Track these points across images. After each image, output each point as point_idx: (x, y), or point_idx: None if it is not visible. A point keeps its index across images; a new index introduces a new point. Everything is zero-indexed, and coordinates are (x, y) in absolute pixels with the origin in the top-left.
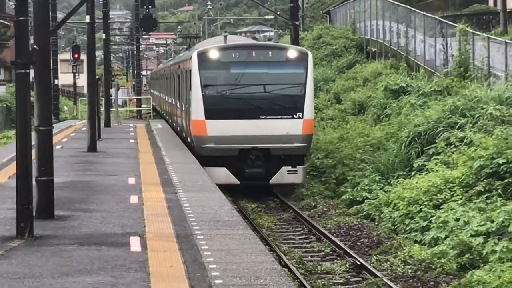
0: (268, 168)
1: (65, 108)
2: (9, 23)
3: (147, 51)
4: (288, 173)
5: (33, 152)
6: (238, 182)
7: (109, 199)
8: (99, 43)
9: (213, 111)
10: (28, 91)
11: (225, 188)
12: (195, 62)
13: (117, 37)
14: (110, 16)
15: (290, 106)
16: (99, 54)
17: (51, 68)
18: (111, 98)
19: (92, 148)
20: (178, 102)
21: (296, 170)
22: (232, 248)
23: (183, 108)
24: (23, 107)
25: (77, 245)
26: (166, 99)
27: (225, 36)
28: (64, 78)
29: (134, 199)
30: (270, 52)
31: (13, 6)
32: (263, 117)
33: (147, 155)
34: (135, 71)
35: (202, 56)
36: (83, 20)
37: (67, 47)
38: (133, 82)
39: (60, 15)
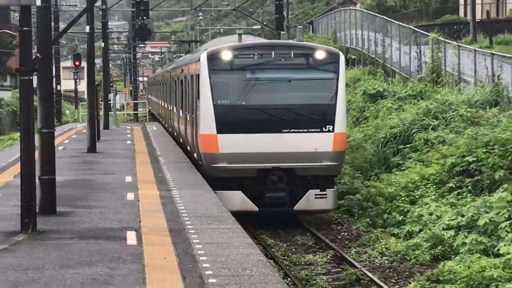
0: (292, 192)
1: (67, 112)
2: (14, 33)
3: (143, 59)
4: (316, 198)
5: (37, 153)
6: (257, 209)
7: (108, 196)
8: (98, 52)
9: (226, 123)
10: (32, 96)
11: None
12: (205, 64)
13: (115, 46)
14: (109, 26)
15: (319, 118)
16: (98, 61)
17: (54, 74)
18: (109, 102)
19: (92, 149)
20: (181, 111)
21: (325, 194)
22: (221, 241)
23: (188, 118)
24: (27, 111)
25: (77, 239)
26: (166, 106)
27: (240, 34)
28: (66, 84)
29: (130, 196)
30: (294, 53)
31: (18, 17)
32: (286, 130)
33: (143, 155)
34: (132, 77)
35: (212, 57)
36: (83, 30)
37: (69, 55)
38: (130, 88)
39: (62, 25)
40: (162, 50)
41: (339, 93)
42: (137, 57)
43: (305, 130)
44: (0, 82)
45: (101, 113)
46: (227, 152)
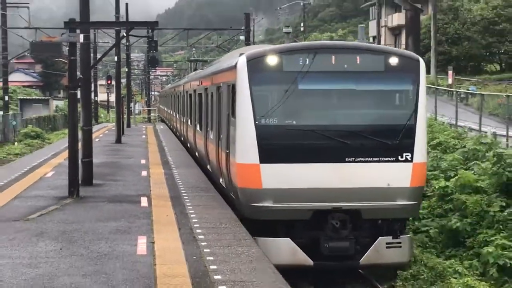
0: (358, 240)
1: (102, 115)
2: (65, 61)
3: (154, 79)
4: (387, 247)
5: (80, 143)
6: (311, 263)
7: (128, 173)
8: (123, 74)
9: (272, 150)
10: (76, 105)
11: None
12: (243, 72)
13: (135, 70)
14: (131, 57)
15: (393, 143)
16: (123, 81)
17: (92, 90)
18: (131, 109)
19: (118, 140)
20: (198, 125)
21: (399, 242)
22: (206, 204)
23: (211, 136)
24: (73, 114)
25: (107, 202)
26: (174, 115)
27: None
28: (101, 96)
29: (144, 173)
30: (360, 58)
31: (68, 50)
32: (351, 159)
33: (153, 145)
34: (147, 92)
35: (254, 62)
36: (113, 59)
37: (103, 76)
38: (145, 99)
39: (99, 56)
40: (167, 74)
41: (419, 110)
42: (150, 78)
43: (375, 159)
44: (56, 94)
45: (125, 116)
46: (273, 187)
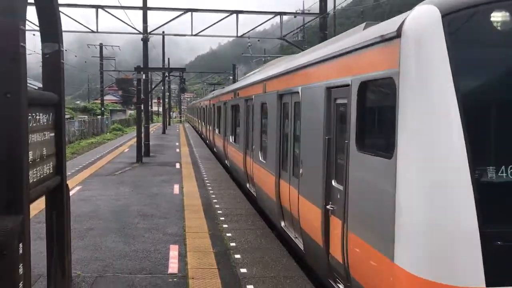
0: None
1: (154, 118)
2: (135, 89)
3: (183, 100)
4: None
5: (143, 133)
6: None
7: (169, 150)
8: (167, 96)
9: None
10: (141, 113)
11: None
12: (434, 41)
13: (173, 94)
14: (171, 87)
15: None
16: (167, 100)
17: (149, 104)
18: (171, 114)
19: (163, 132)
20: (231, 138)
21: None
22: (211, 167)
23: (260, 158)
24: (139, 118)
25: (158, 165)
26: (199, 121)
27: None
28: (155, 108)
29: (177, 150)
30: None
31: (136, 82)
32: None
33: (182, 135)
34: (179, 106)
35: (460, 20)
36: (160, 88)
37: (156, 97)
38: (178, 110)
39: (153, 86)
40: (190, 97)
41: None
42: (182, 99)
43: None
44: (130, 107)
45: (167, 119)
46: None
